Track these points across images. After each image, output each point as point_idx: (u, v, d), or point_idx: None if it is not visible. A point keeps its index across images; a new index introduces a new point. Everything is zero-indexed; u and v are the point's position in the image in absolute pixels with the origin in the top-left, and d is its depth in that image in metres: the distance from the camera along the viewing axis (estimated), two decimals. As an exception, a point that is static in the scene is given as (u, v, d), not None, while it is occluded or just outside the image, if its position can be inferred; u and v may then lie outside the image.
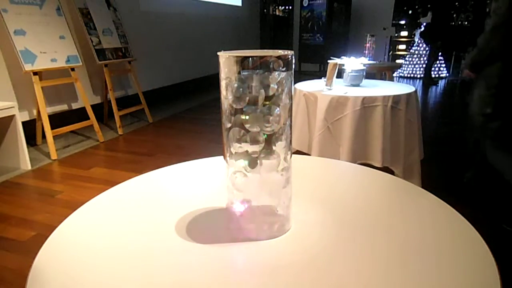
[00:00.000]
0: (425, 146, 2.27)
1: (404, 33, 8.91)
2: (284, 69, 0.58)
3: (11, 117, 2.70)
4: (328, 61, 2.15)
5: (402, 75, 8.03)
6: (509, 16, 1.75)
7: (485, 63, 1.90)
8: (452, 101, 5.65)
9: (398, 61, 8.48)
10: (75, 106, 3.93)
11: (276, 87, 0.58)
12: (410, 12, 8.47)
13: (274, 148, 0.61)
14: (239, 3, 7.69)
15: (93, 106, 3.56)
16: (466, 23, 7.75)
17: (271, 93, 0.59)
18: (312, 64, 8.09)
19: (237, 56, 0.57)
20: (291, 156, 0.65)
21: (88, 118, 3.40)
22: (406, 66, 8.00)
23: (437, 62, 7.66)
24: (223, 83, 0.60)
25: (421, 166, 2.12)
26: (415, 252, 0.62)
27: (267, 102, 0.59)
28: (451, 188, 2.38)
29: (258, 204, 0.66)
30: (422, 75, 7.64)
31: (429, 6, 7.55)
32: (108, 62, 3.72)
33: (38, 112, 3.11)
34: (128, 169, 2.79)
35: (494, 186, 2.21)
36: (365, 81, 2.35)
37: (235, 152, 0.62)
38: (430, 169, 2.48)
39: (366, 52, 4.26)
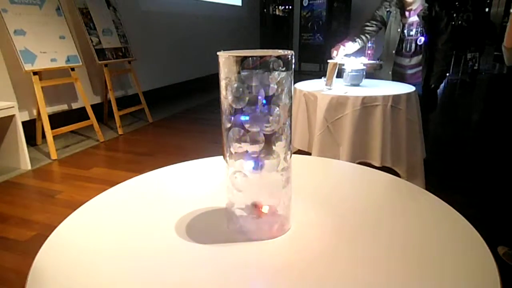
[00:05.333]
0: (428, 147, 2.26)
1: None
2: (284, 69, 0.58)
3: (11, 117, 2.70)
4: (328, 61, 2.15)
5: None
6: None
7: None
8: (453, 101, 5.64)
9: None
10: (75, 106, 3.92)
11: (276, 87, 0.58)
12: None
13: (274, 148, 0.61)
14: (239, 3, 7.68)
15: (93, 106, 3.56)
16: (465, 23, 7.75)
17: (271, 93, 0.58)
18: (312, 64, 8.08)
19: (237, 56, 0.57)
20: (291, 156, 0.65)
21: (88, 118, 3.40)
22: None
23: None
24: (223, 83, 0.60)
25: (424, 166, 2.11)
26: (415, 253, 0.62)
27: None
28: (455, 188, 2.38)
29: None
30: None
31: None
32: (108, 62, 3.72)
33: (38, 112, 3.11)
34: (128, 169, 2.79)
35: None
36: (365, 81, 2.35)
37: (235, 152, 0.62)
38: (433, 169, 2.48)
39: (367, 52, 4.25)
